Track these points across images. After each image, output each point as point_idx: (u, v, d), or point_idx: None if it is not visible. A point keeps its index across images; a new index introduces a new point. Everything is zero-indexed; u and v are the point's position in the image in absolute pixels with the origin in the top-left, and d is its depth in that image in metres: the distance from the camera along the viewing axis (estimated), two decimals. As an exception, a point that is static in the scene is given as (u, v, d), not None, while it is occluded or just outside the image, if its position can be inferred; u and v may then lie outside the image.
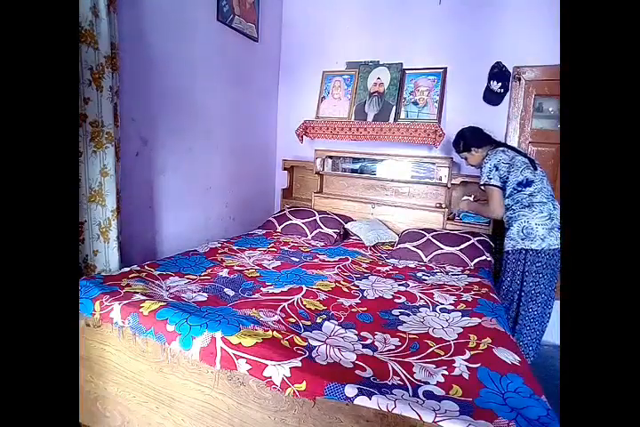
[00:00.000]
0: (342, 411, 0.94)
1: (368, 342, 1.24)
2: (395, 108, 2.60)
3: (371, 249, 2.41)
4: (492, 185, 1.96)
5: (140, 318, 1.23)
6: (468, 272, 2.01)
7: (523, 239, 1.87)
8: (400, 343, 1.24)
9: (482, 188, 2.04)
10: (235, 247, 2.17)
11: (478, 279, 1.87)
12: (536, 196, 1.87)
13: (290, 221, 2.68)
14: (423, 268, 2.08)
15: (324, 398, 0.95)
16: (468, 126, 2.17)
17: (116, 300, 1.30)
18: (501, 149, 2.01)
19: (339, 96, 2.83)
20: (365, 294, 1.65)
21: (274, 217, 2.80)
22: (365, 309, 1.50)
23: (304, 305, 1.47)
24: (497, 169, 1.95)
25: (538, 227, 1.84)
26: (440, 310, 1.51)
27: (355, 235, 2.60)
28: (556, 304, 1.96)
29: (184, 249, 2.08)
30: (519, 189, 1.91)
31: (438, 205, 2.63)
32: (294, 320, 1.34)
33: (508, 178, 1.94)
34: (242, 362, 1.06)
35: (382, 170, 2.78)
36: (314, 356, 1.09)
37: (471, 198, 2.37)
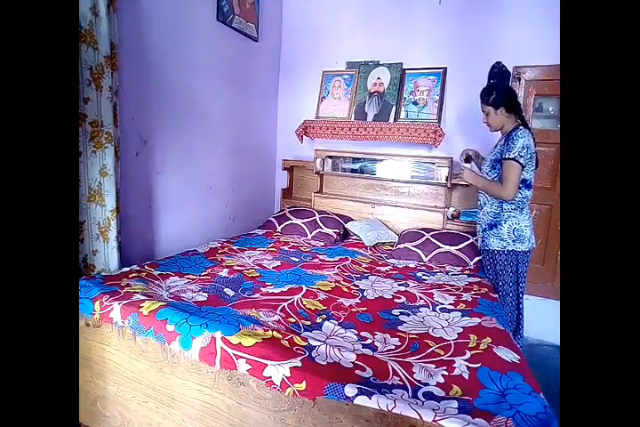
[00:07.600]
0: (342, 411, 0.94)
1: (368, 341, 1.24)
2: (395, 107, 2.60)
3: (371, 249, 2.41)
4: (519, 163, 1.73)
5: (140, 318, 1.23)
6: (467, 272, 2.01)
7: (514, 241, 1.81)
8: (400, 343, 1.24)
9: (502, 161, 1.78)
10: (235, 247, 2.16)
11: (478, 279, 1.87)
12: (527, 202, 1.82)
13: (290, 221, 2.68)
14: (423, 268, 2.08)
15: (323, 397, 0.95)
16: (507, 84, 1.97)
17: (115, 300, 1.30)
18: (529, 132, 1.80)
19: (339, 96, 2.83)
20: (365, 293, 1.65)
21: (274, 217, 2.80)
22: (365, 309, 1.50)
23: (304, 305, 1.47)
24: (526, 150, 1.74)
25: (526, 229, 1.82)
26: (440, 309, 1.51)
27: (355, 235, 2.60)
28: (556, 304, 1.96)
29: (184, 249, 2.08)
30: (520, 186, 1.77)
31: (438, 206, 2.63)
32: (294, 320, 1.34)
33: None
34: (242, 362, 1.06)
35: (382, 170, 2.78)
36: (314, 356, 1.09)
37: (470, 165, 2.06)
